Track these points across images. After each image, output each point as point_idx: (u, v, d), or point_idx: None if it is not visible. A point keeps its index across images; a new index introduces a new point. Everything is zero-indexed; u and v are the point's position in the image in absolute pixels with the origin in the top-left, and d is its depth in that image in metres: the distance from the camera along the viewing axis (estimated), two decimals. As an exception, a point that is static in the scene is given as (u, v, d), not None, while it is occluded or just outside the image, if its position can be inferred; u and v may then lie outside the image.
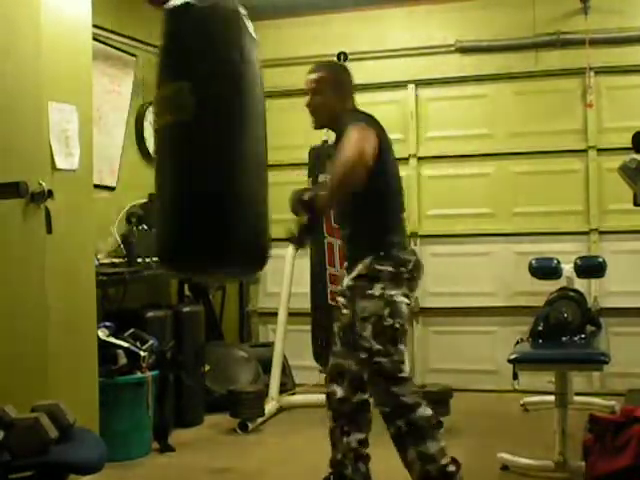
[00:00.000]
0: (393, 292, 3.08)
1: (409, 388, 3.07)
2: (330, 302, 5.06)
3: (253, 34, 2.66)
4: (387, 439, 3.13)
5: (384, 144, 3.10)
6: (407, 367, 3.14)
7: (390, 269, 3.09)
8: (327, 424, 3.35)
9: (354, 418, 3.25)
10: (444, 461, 3.03)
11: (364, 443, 3.27)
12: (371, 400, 3.23)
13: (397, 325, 3.07)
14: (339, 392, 3.25)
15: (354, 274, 3.13)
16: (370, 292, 3.07)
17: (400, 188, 3.30)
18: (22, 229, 3.63)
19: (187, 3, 2.57)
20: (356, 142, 2.88)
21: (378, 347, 3.04)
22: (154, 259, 4.98)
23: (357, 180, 2.89)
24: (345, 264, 3.29)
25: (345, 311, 3.24)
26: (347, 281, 3.20)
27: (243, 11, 2.63)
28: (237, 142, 2.55)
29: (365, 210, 3.15)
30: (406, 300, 3.12)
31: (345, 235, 3.30)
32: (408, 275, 3.14)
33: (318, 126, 3.31)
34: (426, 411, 3.05)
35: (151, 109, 5.62)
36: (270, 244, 2.73)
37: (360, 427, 3.26)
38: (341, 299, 3.31)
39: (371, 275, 3.09)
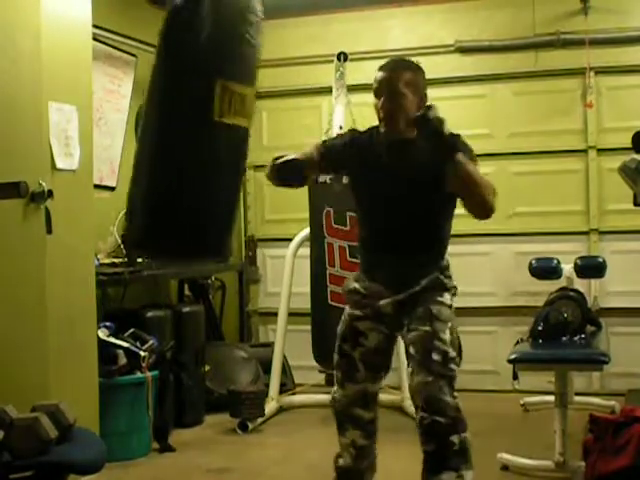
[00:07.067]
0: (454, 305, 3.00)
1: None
2: (330, 302, 5.06)
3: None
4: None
5: None
6: None
7: (454, 283, 3.04)
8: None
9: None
10: None
11: None
12: None
13: (460, 340, 2.96)
14: (367, 415, 3.02)
15: (417, 288, 2.95)
16: (440, 299, 2.95)
17: None
18: (22, 229, 3.63)
19: None
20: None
21: (453, 354, 2.87)
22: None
23: (490, 207, 2.79)
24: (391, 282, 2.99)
25: (373, 334, 3.00)
26: (405, 295, 2.96)
27: None
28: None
29: (446, 227, 3.07)
30: None
31: (409, 248, 3.00)
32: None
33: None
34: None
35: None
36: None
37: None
38: (367, 324, 3.01)
39: (440, 286, 2.98)
